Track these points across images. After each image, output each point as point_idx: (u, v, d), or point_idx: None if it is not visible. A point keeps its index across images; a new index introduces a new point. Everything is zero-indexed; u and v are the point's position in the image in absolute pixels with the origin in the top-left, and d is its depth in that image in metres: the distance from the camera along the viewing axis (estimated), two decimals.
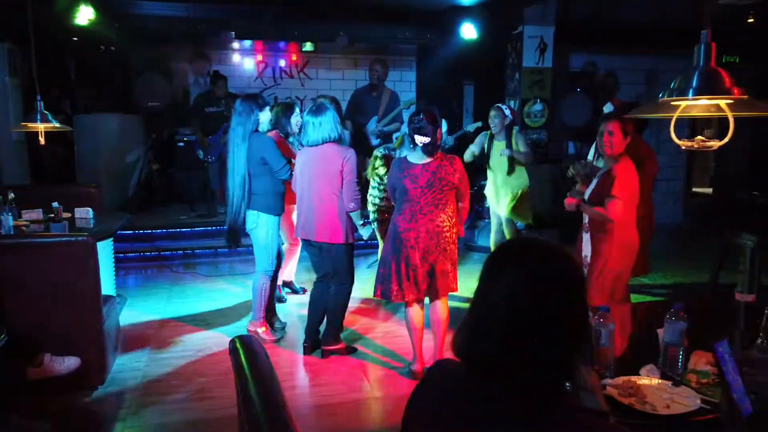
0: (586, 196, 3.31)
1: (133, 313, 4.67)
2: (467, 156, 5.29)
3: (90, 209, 4.47)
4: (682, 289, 5.40)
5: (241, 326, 4.40)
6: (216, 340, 4.13)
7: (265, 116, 4.01)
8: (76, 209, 4.46)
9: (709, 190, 10.93)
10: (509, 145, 5.14)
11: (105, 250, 4.46)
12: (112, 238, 4.56)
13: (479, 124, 6.61)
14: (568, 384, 1.23)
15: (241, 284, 5.46)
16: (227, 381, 3.53)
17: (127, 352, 3.86)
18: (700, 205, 9.86)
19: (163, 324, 4.45)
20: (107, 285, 4.30)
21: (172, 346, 4.02)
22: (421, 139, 3.27)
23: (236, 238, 4.20)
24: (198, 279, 5.67)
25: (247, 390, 1.52)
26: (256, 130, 3.96)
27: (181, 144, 7.68)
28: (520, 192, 5.26)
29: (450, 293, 3.47)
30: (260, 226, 3.99)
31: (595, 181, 3.32)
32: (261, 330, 4.10)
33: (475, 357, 1.18)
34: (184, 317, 4.59)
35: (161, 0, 6.54)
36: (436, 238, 3.30)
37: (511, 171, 5.20)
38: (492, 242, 5.63)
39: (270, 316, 4.26)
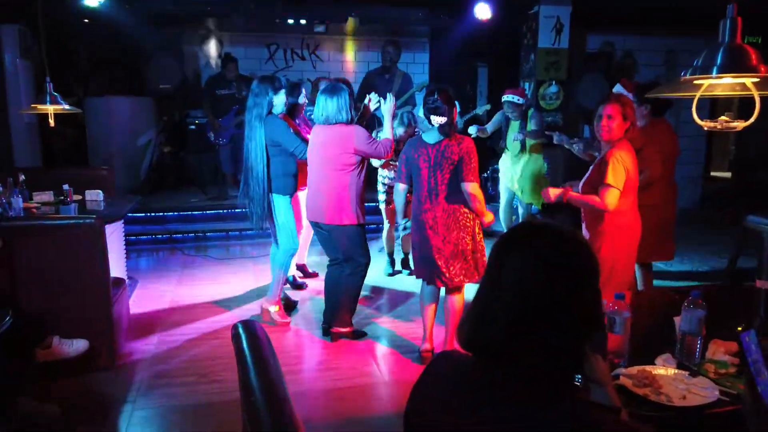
0: (581, 184, 3.17)
1: (144, 295, 4.67)
2: (472, 131, 5.26)
3: (100, 192, 4.46)
4: (699, 275, 5.30)
5: (251, 310, 4.39)
6: (226, 323, 4.12)
7: (280, 99, 3.98)
8: (86, 192, 4.45)
9: (728, 174, 10.72)
10: (522, 128, 5.11)
11: (116, 233, 4.45)
12: (122, 221, 4.56)
13: (488, 106, 6.50)
14: (578, 377, 1.17)
15: (252, 268, 5.46)
16: (235, 364, 3.54)
17: (137, 335, 3.87)
18: (719, 190, 9.67)
19: (173, 307, 4.45)
20: (118, 268, 4.31)
21: (182, 329, 4.01)
22: (437, 119, 3.22)
23: (264, 222, 4.11)
24: (209, 262, 5.67)
25: (247, 377, 1.48)
26: (270, 113, 3.93)
27: (193, 127, 7.66)
28: (533, 174, 5.23)
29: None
30: (276, 206, 4.03)
31: (590, 168, 3.18)
32: (274, 309, 4.12)
33: (480, 343, 1.14)
34: (195, 300, 4.58)
35: None
36: (454, 215, 3.25)
37: (522, 150, 5.18)
38: (502, 220, 5.58)
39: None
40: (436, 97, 3.22)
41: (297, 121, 4.43)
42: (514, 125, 5.24)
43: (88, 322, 3.27)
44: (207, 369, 3.43)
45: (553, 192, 3.07)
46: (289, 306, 4.44)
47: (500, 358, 1.10)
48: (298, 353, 3.71)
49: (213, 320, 4.19)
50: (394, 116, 3.85)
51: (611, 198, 2.92)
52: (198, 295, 4.70)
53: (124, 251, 4.71)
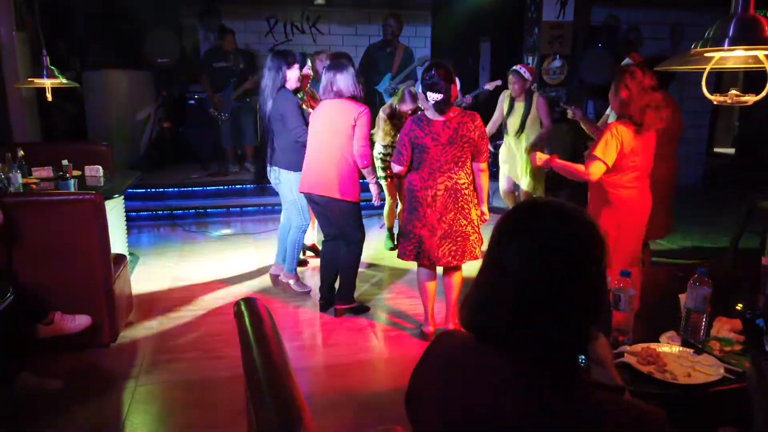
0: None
1: (145, 271, 4.67)
2: (490, 127, 5.19)
3: (100, 167, 4.43)
4: (703, 252, 5.28)
5: (252, 285, 4.39)
6: (227, 300, 4.12)
7: (293, 74, 4.00)
8: (86, 167, 4.43)
9: (731, 151, 10.65)
10: (529, 106, 4.98)
11: (116, 209, 4.44)
12: (123, 197, 4.53)
13: (499, 82, 6.40)
14: (582, 357, 1.15)
15: (253, 244, 5.45)
16: (238, 340, 3.54)
17: (139, 311, 3.87)
18: (722, 166, 9.61)
19: (175, 283, 4.45)
20: (119, 244, 4.30)
21: (184, 305, 4.01)
22: (433, 96, 3.14)
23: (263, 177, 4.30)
24: (209, 238, 5.65)
25: (250, 355, 1.47)
26: (283, 87, 3.96)
27: (192, 102, 7.58)
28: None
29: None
30: (283, 182, 4.07)
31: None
32: (293, 281, 4.21)
33: (481, 328, 1.11)
34: (196, 276, 4.58)
35: None
36: (454, 195, 3.21)
37: (520, 132, 5.06)
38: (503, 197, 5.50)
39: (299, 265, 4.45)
40: (433, 72, 3.14)
41: (301, 95, 4.39)
42: (518, 106, 5.12)
43: (90, 298, 3.26)
44: (209, 345, 3.44)
45: (540, 157, 3.06)
46: (302, 264, 4.57)
47: (502, 343, 1.07)
48: (299, 329, 3.72)
49: (214, 296, 4.19)
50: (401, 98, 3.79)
51: (593, 168, 2.93)
52: (199, 271, 4.70)
53: (125, 227, 4.69)
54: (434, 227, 3.24)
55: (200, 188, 6.61)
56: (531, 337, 1.04)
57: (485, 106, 5.64)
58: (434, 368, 1.18)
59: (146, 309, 3.92)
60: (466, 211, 3.26)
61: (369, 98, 7.05)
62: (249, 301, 1.73)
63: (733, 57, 1.83)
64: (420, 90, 3.31)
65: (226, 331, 3.60)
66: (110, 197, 3.87)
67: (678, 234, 5.47)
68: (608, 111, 4.47)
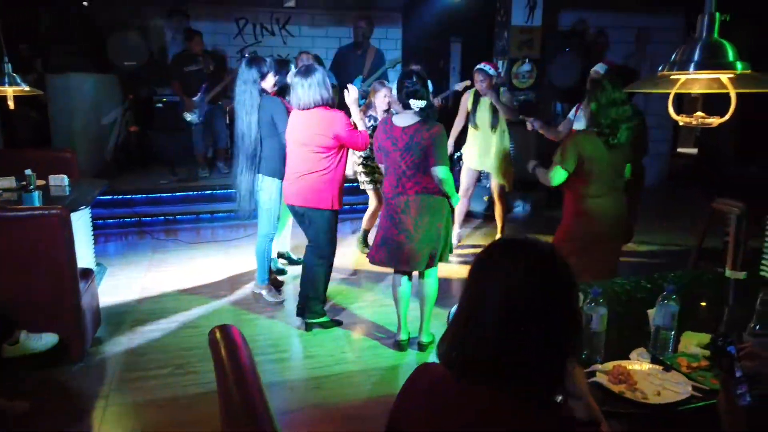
0: None
1: (113, 283, 4.57)
2: (455, 129, 5.24)
3: (65, 177, 4.31)
4: (667, 254, 5.41)
5: (224, 295, 4.34)
6: (199, 311, 4.07)
7: (268, 82, 3.99)
8: (50, 177, 4.30)
9: (694, 151, 10.94)
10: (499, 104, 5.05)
11: (82, 219, 4.33)
12: (89, 206, 4.43)
13: (468, 82, 6.45)
14: (558, 395, 1.18)
15: (224, 251, 5.38)
16: (210, 354, 3.50)
17: (108, 326, 3.79)
18: (685, 166, 9.87)
19: (144, 294, 4.36)
20: (85, 256, 4.20)
21: (154, 318, 3.94)
22: (417, 103, 3.16)
23: (252, 207, 4.15)
24: (180, 246, 5.56)
25: (227, 387, 1.45)
26: (265, 92, 3.96)
27: (160, 105, 7.44)
28: (503, 153, 5.22)
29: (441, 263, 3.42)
30: (264, 189, 4.03)
31: None
32: (265, 292, 4.20)
33: (462, 362, 1.13)
34: (166, 287, 4.50)
35: None
36: (428, 201, 3.23)
37: (494, 128, 5.11)
38: (460, 207, 5.48)
39: (272, 275, 4.43)
40: (414, 80, 3.16)
41: (288, 98, 4.36)
42: (484, 102, 5.16)
43: (57, 316, 3.18)
44: (182, 360, 3.39)
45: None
46: (277, 284, 4.47)
47: (483, 377, 1.09)
48: (274, 341, 3.69)
49: (186, 308, 4.12)
50: (365, 107, 3.80)
51: (553, 173, 3.06)
52: (169, 281, 4.62)
53: (92, 237, 4.58)
54: (411, 233, 3.26)
55: (169, 194, 6.50)
56: (512, 370, 1.07)
57: (456, 106, 5.67)
58: (415, 404, 1.19)
59: (115, 323, 3.84)
60: (442, 212, 3.29)
61: (341, 100, 7.03)
62: (224, 329, 1.70)
63: (699, 81, 1.88)
64: (397, 98, 3.32)
65: (199, 344, 3.55)
66: (76, 209, 3.78)
67: (644, 234, 5.59)
68: (570, 114, 4.55)
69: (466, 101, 5.28)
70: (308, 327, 3.78)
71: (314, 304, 3.76)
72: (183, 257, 5.22)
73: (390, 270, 3.52)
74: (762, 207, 4.00)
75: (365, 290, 4.53)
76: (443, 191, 3.24)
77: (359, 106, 5.30)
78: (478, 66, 5.09)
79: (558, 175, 3.05)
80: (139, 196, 6.36)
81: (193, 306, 4.16)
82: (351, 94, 3.62)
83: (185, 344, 3.59)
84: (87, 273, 3.57)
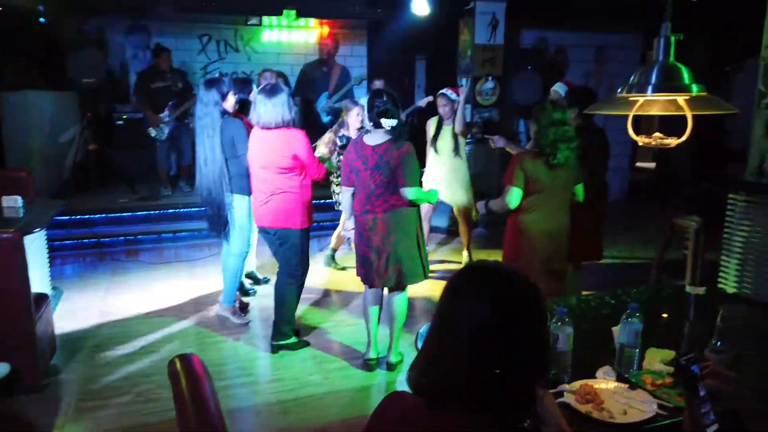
0: None
1: (70, 307, 4.41)
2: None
3: (19, 198, 4.15)
4: (628, 267, 5.52)
5: (187, 318, 4.23)
6: (161, 335, 3.95)
7: (228, 103, 3.96)
8: (3, 198, 4.13)
9: (652, 165, 11.26)
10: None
11: (37, 242, 4.17)
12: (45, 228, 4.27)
13: (431, 98, 6.51)
14: (527, 421, 1.18)
15: (188, 272, 5.26)
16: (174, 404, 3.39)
17: (64, 353, 3.64)
18: (644, 181, 10.14)
19: (103, 319, 4.22)
20: (40, 280, 4.04)
21: (114, 344, 3.81)
22: (388, 122, 3.16)
23: (222, 228, 4.06)
24: (141, 267, 5.41)
25: (187, 422, 1.40)
26: (226, 113, 3.93)
27: (120, 122, 7.28)
28: (467, 183, 5.18)
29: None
30: (235, 207, 4.00)
31: None
32: (231, 314, 4.13)
33: (433, 389, 1.12)
34: (126, 310, 4.36)
35: None
36: (395, 218, 3.22)
37: (456, 153, 5.09)
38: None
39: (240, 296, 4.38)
40: (384, 99, 3.16)
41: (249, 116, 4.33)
42: (447, 129, 5.13)
43: (9, 345, 3.04)
44: (142, 387, 3.28)
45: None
46: (243, 305, 4.38)
47: (453, 405, 1.08)
48: (240, 365, 3.60)
49: (147, 332, 4.00)
50: (338, 126, 3.83)
51: (507, 196, 3.14)
52: (129, 304, 4.48)
53: (47, 260, 4.42)
54: (380, 249, 3.25)
55: (129, 213, 6.33)
56: (482, 397, 1.07)
57: (422, 123, 5.68)
58: None
59: (71, 350, 3.70)
60: (411, 232, 3.29)
61: (306, 117, 7.01)
62: (184, 358, 1.65)
63: (657, 103, 1.93)
64: (352, 120, 3.33)
65: (160, 370, 3.44)
66: (30, 232, 3.63)
67: (606, 248, 5.69)
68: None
69: (430, 128, 5.27)
70: (274, 349, 3.70)
71: (282, 325, 3.69)
72: (144, 279, 5.08)
73: (359, 289, 3.50)
74: (717, 220, 4.13)
75: (332, 310, 4.48)
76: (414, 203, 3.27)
77: (324, 121, 5.29)
78: (441, 91, 5.12)
79: (514, 196, 3.14)
80: (98, 215, 6.17)
81: (155, 330, 4.03)
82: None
83: (146, 370, 3.47)
84: (41, 298, 3.43)
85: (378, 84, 6.74)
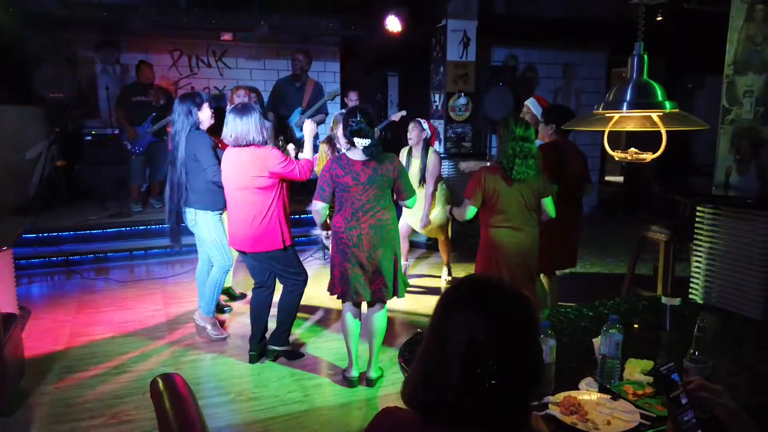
0: None
1: (39, 327, 4.28)
2: None
3: None
4: (602, 280, 5.62)
5: (161, 336, 4.14)
6: (134, 355, 3.85)
7: (205, 114, 3.97)
8: None
9: (621, 179, 11.53)
10: (425, 161, 4.90)
11: (3, 261, 4.05)
12: (11, 247, 4.15)
13: (404, 113, 6.56)
14: None
15: (160, 289, 5.16)
16: (148, 401, 3.30)
17: (33, 375, 3.52)
18: (613, 194, 10.38)
19: (73, 339, 4.10)
20: (7, 300, 3.92)
21: (85, 365, 3.71)
22: (361, 142, 3.16)
23: (177, 237, 4.17)
24: (111, 285, 5.29)
25: None
26: (197, 128, 3.92)
27: (89, 138, 7.14)
28: (437, 214, 4.99)
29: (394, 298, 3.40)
30: (199, 223, 3.99)
31: None
32: (210, 326, 4.08)
33: (427, 403, 1.12)
34: (97, 330, 4.25)
35: None
36: (380, 233, 3.23)
37: (423, 181, 4.89)
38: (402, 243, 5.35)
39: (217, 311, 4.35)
40: (359, 118, 3.15)
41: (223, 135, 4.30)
42: (414, 162, 4.93)
43: None
44: (116, 408, 3.18)
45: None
46: (220, 321, 4.33)
47: (447, 420, 1.08)
48: (217, 384, 3.53)
49: (119, 351, 3.90)
50: (315, 136, 3.81)
51: (464, 209, 3.32)
52: (100, 324, 4.37)
53: (14, 279, 4.28)
54: (364, 265, 3.25)
55: (99, 231, 6.20)
56: (478, 410, 1.07)
57: (395, 137, 5.72)
58: None
59: (40, 372, 3.58)
60: (394, 246, 3.30)
61: (280, 132, 6.98)
62: (167, 378, 1.61)
63: (632, 119, 1.98)
64: (342, 134, 3.32)
65: (134, 390, 3.36)
66: None
67: (580, 260, 5.79)
68: None
69: (402, 155, 5.20)
70: (270, 355, 3.74)
71: (282, 333, 3.74)
72: (115, 297, 4.96)
73: (335, 305, 3.48)
74: (686, 231, 4.24)
75: (310, 325, 4.44)
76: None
77: (298, 137, 5.26)
78: (417, 119, 5.02)
79: (468, 211, 3.31)
80: (67, 233, 6.03)
81: (128, 349, 3.94)
82: (307, 125, 3.67)
83: (119, 391, 3.38)
84: (9, 319, 3.32)
85: (353, 96, 6.79)
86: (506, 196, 3.24)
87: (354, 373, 3.49)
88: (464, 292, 1.14)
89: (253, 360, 3.75)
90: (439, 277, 5.49)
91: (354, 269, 3.27)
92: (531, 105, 4.51)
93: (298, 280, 3.69)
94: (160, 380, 1.60)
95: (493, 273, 3.30)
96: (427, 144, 4.96)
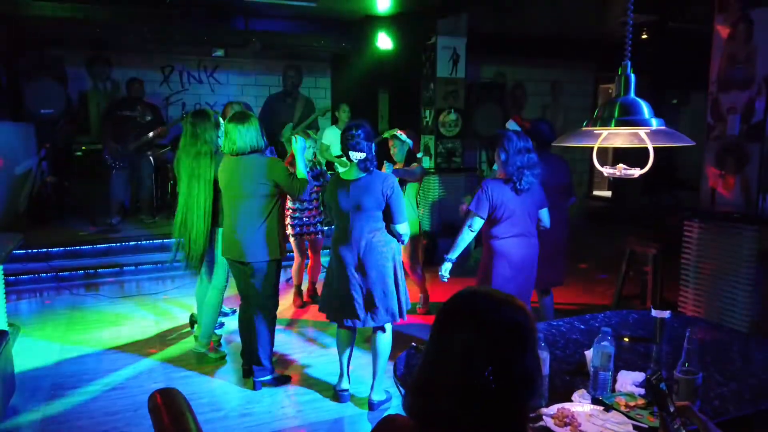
0: None
1: (28, 345, 4.24)
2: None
3: None
4: (591, 293, 5.67)
5: (153, 354, 4.11)
6: (126, 371, 3.83)
7: (219, 134, 3.86)
8: None
9: (608, 194, 11.66)
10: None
11: None
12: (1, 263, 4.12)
13: (396, 131, 6.62)
14: None
15: (151, 305, 5.14)
16: (139, 418, 3.30)
17: (23, 393, 3.49)
18: (601, 209, 10.48)
19: (63, 356, 4.07)
20: None
21: (75, 381, 3.68)
22: (356, 155, 3.17)
23: (200, 263, 3.93)
24: (101, 301, 5.26)
25: None
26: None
27: (79, 153, 7.13)
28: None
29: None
30: (217, 240, 3.88)
31: None
32: (207, 349, 4.03)
33: (428, 413, 1.14)
34: (88, 346, 4.22)
35: (53, 0, 6.02)
36: (375, 254, 3.19)
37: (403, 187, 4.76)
38: None
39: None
40: (354, 132, 3.17)
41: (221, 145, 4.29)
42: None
43: None
44: (108, 425, 3.16)
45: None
46: (216, 338, 4.26)
47: (447, 426, 1.11)
48: (209, 400, 3.51)
49: (110, 368, 3.87)
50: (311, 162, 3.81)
51: (472, 222, 3.31)
52: (91, 340, 4.34)
53: (3, 296, 4.25)
54: (360, 287, 3.23)
55: (89, 246, 6.15)
56: (477, 418, 1.09)
57: (383, 155, 5.74)
58: None
59: (31, 389, 3.55)
60: (389, 269, 3.25)
61: (272, 149, 7.02)
62: (166, 393, 1.62)
63: (620, 136, 2.04)
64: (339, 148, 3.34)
65: (125, 407, 3.34)
66: None
67: (570, 275, 5.84)
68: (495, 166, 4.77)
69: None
70: (256, 386, 3.61)
71: (264, 360, 3.59)
72: (106, 313, 4.93)
73: (325, 322, 3.45)
74: (673, 245, 4.31)
75: (302, 341, 4.43)
76: (406, 247, 3.27)
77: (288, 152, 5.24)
78: (395, 133, 4.77)
79: (475, 223, 3.32)
80: (57, 249, 5.99)
81: (119, 366, 3.91)
82: (298, 143, 3.64)
83: (111, 408, 3.35)
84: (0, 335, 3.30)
85: (344, 110, 6.85)
86: (513, 207, 3.30)
87: (343, 386, 3.47)
88: (463, 304, 1.17)
89: (246, 374, 3.71)
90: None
91: (350, 290, 3.23)
92: (510, 126, 4.65)
93: (271, 300, 3.60)
94: (158, 395, 1.60)
95: (498, 285, 3.30)
96: (411, 155, 4.71)
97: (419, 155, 4.85)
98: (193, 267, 3.88)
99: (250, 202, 3.48)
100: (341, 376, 3.49)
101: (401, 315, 3.31)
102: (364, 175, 3.21)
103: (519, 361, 1.12)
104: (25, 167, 6.72)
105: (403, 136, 4.69)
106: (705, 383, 2.02)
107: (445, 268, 3.35)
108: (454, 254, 3.35)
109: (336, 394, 3.49)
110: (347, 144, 3.19)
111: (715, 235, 3.79)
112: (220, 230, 3.84)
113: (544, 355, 1.95)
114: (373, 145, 3.27)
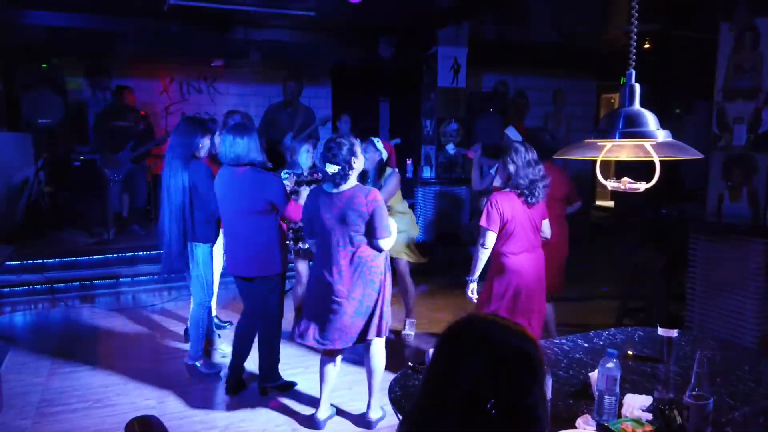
0: None
1: (19, 359, 4.15)
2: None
3: None
4: (594, 308, 5.56)
5: (147, 369, 4.02)
6: (118, 387, 3.74)
7: (206, 143, 3.82)
8: None
9: (611, 204, 11.56)
10: (378, 185, 4.26)
11: None
12: None
13: (398, 141, 6.56)
14: None
15: (147, 318, 5.05)
16: None
17: (11, 408, 3.41)
18: (604, 218, 10.38)
19: (55, 370, 3.98)
20: None
21: (67, 397, 3.59)
22: (330, 168, 3.03)
23: (171, 267, 3.90)
24: (96, 314, 5.18)
25: None
26: (194, 156, 3.74)
27: (78, 164, 7.07)
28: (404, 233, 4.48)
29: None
30: (195, 255, 3.81)
31: None
32: (200, 363, 3.94)
33: None
34: (81, 361, 4.13)
35: (51, 10, 5.98)
36: (360, 269, 3.07)
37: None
38: None
39: (208, 345, 4.16)
40: (332, 144, 3.05)
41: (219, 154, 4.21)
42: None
43: None
44: None
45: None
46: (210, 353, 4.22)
47: None
48: (202, 418, 3.42)
49: (103, 384, 3.79)
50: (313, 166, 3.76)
51: (485, 239, 3.22)
52: (84, 354, 4.25)
53: None
54: (343, 305, 3.09)
55: (85, 258, 6.08)
56: None
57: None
58: None
59: (20, 405, 3.47)
60: (376, 283, 3.14)
61: (272, 157, 6.96)
62: (143, 420, 1.53)
63: (625, 148, 1.95)
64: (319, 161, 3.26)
65: (118, 425, 3.22)
66: None
67: (572, 284, 5.72)
68: (492, 170, 4.66)
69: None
70: (264, 392, 3.63)
71: (270, 368, 3.63)
72: (100, 326, 4.85)
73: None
74: (679, 257, 4.21)
75: (297, 356, 4.33)
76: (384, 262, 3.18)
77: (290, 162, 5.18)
78: (370, 138, 4.37)
79: (488, 239, 3.23)
80: (52, 260, 5.91)
81: (111, 382, 3.82)
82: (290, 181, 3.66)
83: (101, 426, 3.28)
84: None
85: (345, 119, 6.79)
86: (522, 221, 3.23)
87: (320, 416, 3.31)
88: (471, 331, 1.11)
89: (228, 390, 3.64)
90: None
91: (332, 307, 3.09)
92: (510, 133, 4.57)
93: (275, 313, 3.58)
94: (135, 423, 1.52)
95: (508, 303, 3.23)
96: (382, 166, 4.34)
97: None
98: (166, 271, 3.87)
99: (249, 218, 3.43)
100: (319, 403, 3.34)
101: (379, 333, 3.17)
102: (351, 186, 3.09)
103: (525, 394, 1.05)
104: (22, 177, 6.66)
105: (380, 144, 4.30)
106: (716, 407, 1.92)
107: (472, 289, 3.32)
108: (475, 274, 3.32)
109: (312, 421, 3.33)
110: (324, 155, 3.07)
111: (721, 248, 3.69)
112: (199, 246, 3.75)
113: (548, 381, 1.85)
114: (357, 159, 3.11)
